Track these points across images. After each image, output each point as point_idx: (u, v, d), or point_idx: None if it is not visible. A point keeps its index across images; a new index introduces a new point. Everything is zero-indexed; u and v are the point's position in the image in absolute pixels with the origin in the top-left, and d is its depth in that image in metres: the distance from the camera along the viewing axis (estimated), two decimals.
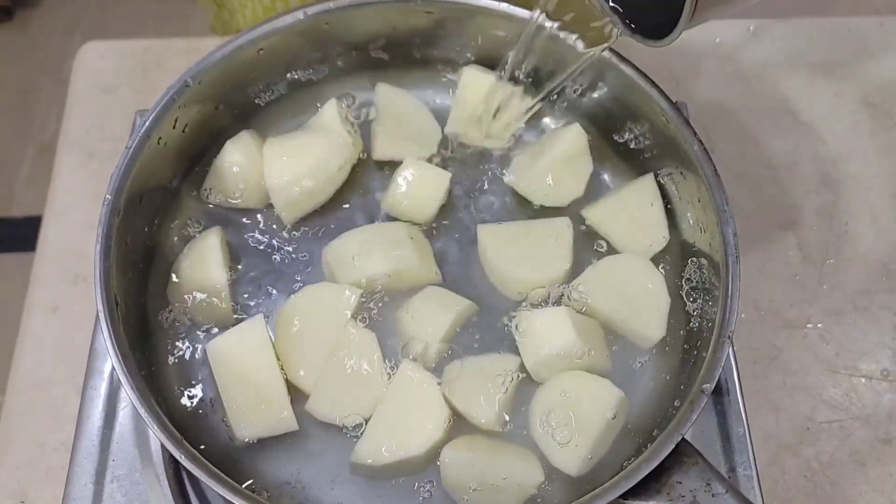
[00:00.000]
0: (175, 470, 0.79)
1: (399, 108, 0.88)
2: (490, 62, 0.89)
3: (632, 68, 0.80)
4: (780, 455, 0.88)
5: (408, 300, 0.79)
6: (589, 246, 0.84)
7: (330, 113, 0.86)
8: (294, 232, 0.85)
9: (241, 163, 0.84)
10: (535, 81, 0.83)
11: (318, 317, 0.77)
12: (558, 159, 0.84)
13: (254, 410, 0.73)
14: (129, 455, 0.81)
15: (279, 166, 0.82)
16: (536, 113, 0.89)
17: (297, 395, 0.76)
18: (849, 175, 1.04)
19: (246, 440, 0.74)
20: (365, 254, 0.79)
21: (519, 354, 0.78)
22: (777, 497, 0.86)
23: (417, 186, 0.83)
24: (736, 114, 1.08)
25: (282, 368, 0.76)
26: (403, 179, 0.83)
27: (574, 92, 0.89)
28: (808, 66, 1.12)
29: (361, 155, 0.88)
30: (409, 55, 0.91)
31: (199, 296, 0.80)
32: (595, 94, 0.88)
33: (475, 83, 0.88)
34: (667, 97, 0.79)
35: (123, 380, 0.66)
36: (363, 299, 0.79)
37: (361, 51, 0.90)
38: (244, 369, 0.74)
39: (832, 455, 0.88)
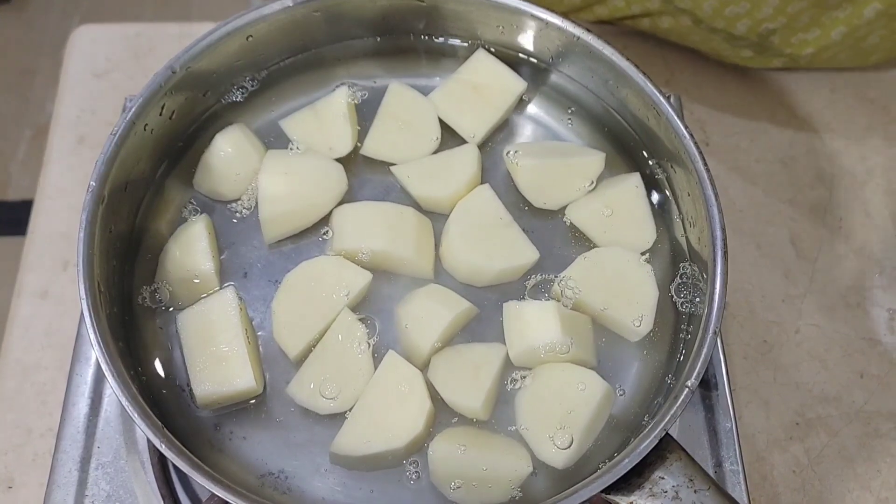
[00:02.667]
0: (160, 457, 0.79)
1: (404, 109, 0.86)
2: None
3: (624, 59, 0.80)
4: (768, 450, 0.88)
5: (408, 294, 0.79)
6: (575, 242, 0.83)
7: (339, 98, 0.86)
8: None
9: (230, 156, 0.83)
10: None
11: (322, 287, 0.77)
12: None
13: (212, 368, 0.74)
14: (114, 442, 0.81)
15: (275, 180, 0.81)
16: (524, 100, 0.89)
17: (278, 379, 0.77)
18: (844, 170, 1.04)
19: (205, 400, 0.74)
20: (367, 226, 0.79)
21: (505, 344, 0.77)
22: (765, 492, 0.86)
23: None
24: (731, 107, 1.08)
25: (258, 335, 0.78)
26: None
27: (563, 80, 0.89)
28: None
29: (357, 144, 0.87)
30: (402, 43, 0.91)
31: (186, 283, 0.79)
32: (585, 84, 0.88)
33: (481, 66, 0.88)
34: (658, 88, 0.78)
35: (106, 369, 0.66)
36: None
37: (352, 39, 0.90)
38: (208, 333, 0.75)
39: (821, 451, 0.88)
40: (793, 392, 0.91)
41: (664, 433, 0.63)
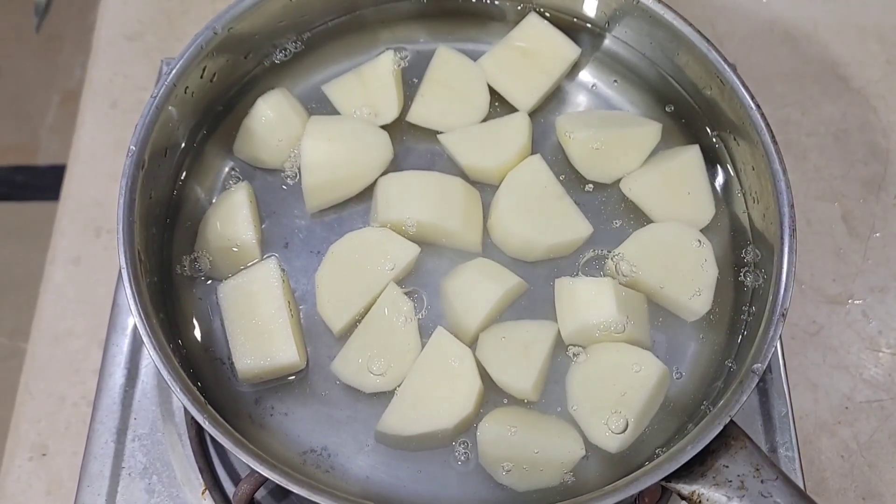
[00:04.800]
0: (198, 430, 0.77)
1: (452, 75, 0.84)
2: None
3: (686, 24, 0.77)
4: (816, 434, 0.86)
5: (455, 268, 0.77)
6: (629, 217, 0.81)
7: (385, 63, 0.84)
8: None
9: (272, 122, 0.81)
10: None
11: (368, 260, 0.75)
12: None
13: (255, 342, 0.72)
14: (150, 413, 0.79)
15: (318, 147, 0.79)
16: (576, 67, 0.87)
17: (320, 354, 0.75)
18: None
19: (247, 374, 0.72)
20: (413, 196, 0.77)
21: (556, 321, 0.75)
22: (812, 477, 0.84)
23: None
24: (782, 78, 1.04)
25: (298, 308, 0.76)
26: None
27: (618, 47, 0.86)
28: (860, 29, 1.07)
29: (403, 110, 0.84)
30: (449, 5, 0.88)
31: (226, 253, 0.78)
32: (642, 50, 0.85)
33: (533, 30, 0.85)
34: (722, 56, 0.75)
35: (147, 342, 0.64)
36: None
37: (398, 1, 0.87)
38: (250, 305, 0.73)
39: (871, 436, 0.86)
40: (842, 375, 0.89)
41: (728, 419, 0.61)
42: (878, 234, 0.96)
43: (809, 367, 0.89)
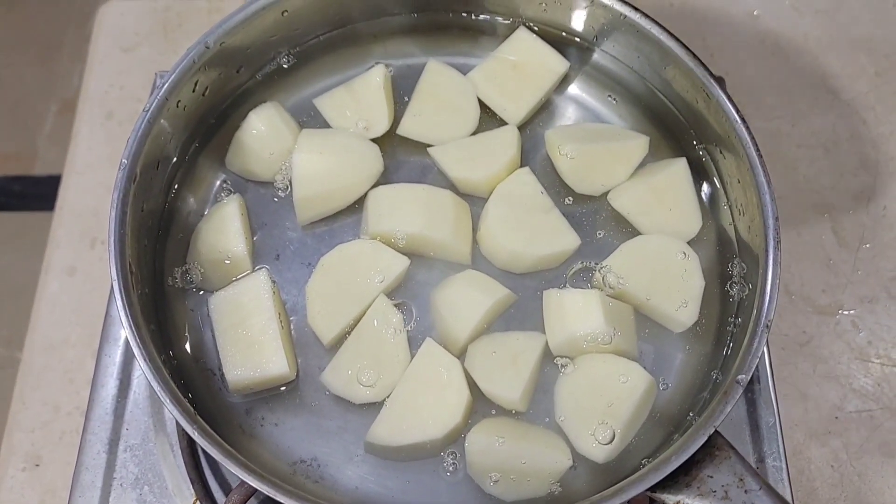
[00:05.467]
0: (189, 441, 0.78)
1: (442, 89, 0.85)
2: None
3: (672, 38, 0.77)
4: (806, 444, 0.86)
5: (445, 280, 0.77)
6: (617, 229, 0.81)
7: (376, 77, 0.84)
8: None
9: (263, 135, 0.82)
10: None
11: (358, 271, 0.76)
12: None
13: (245, 353, 0.73)
14: (142, 424, 0.80)
15: (310, 160, 0.79)
16: (565, 81, 0.87)
17: (310, 365, 0.76)
18: (889, 157, 1.01)
19: (238, 385, 0.73)
20: (403, 208, 0.78)
21: (544, 333, 0.76)
22: (802, 487, 0.84)
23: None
24: (772, 90, 1.05)
25: (288, 319, 0.77)
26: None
27: (606, 61, 0.87)
28: (850, 41, 1.08)
29: (393, 123, 0.85)
30: (440, 20, 0.89)
31: (217, 264, 0.78)
32: (630, 64, 0.85)
33: (522, 45, 0.86)
34: (709, 71, 0.76)
35: (137, 354, 0.65)
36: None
37: (389, 15, 0.88)
38: (240, 317, 0.74)
39: (861, 446, 0.86)
40: (832, 385, 0.89)
41: (713, 430, 0.61)
42: (867, 245, 0.96)
43: (799, 377, 0.89)
